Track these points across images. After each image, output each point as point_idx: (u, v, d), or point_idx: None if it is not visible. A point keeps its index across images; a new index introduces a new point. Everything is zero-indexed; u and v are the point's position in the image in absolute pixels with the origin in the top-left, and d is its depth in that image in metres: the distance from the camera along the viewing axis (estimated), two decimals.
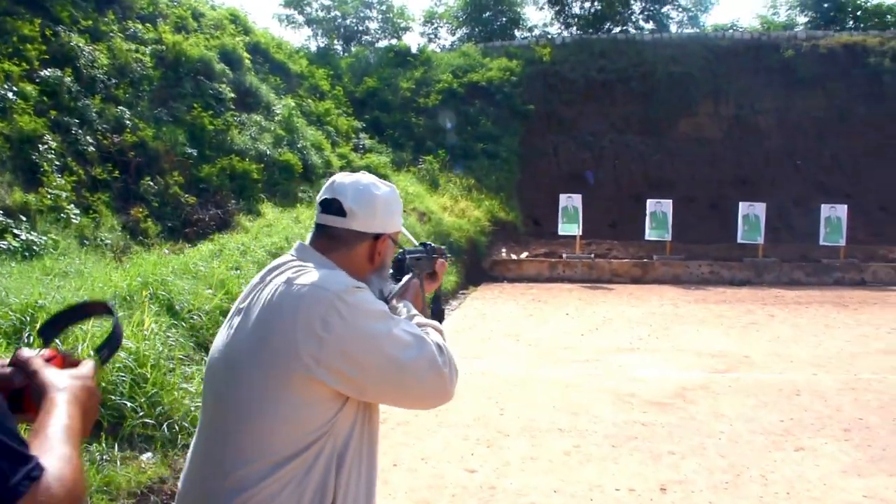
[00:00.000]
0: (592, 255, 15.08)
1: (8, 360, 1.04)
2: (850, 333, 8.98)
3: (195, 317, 5.57)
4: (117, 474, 3.52)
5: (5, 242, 6.22)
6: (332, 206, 1.51)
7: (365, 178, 1.57)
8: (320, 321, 1.32)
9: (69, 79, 8.93)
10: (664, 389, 6.21)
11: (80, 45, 9.61)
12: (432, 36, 26.87)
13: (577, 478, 4.21)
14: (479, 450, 4.69)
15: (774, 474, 4.29)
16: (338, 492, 1.35)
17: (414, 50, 21.44)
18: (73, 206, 7.54)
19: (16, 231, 6.50)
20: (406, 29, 25.82)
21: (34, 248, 6.40)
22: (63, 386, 0.98)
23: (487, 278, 13.71)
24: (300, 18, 24.82)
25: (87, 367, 1.06)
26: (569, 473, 4.28)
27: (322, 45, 24.11)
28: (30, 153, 7.59)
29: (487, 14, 25.15)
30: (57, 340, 1.18)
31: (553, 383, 6.41)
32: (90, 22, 10.27)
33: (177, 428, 4.08)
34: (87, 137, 8.66)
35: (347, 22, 24.86)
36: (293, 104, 14.47)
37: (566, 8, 25.67)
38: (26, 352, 1.04)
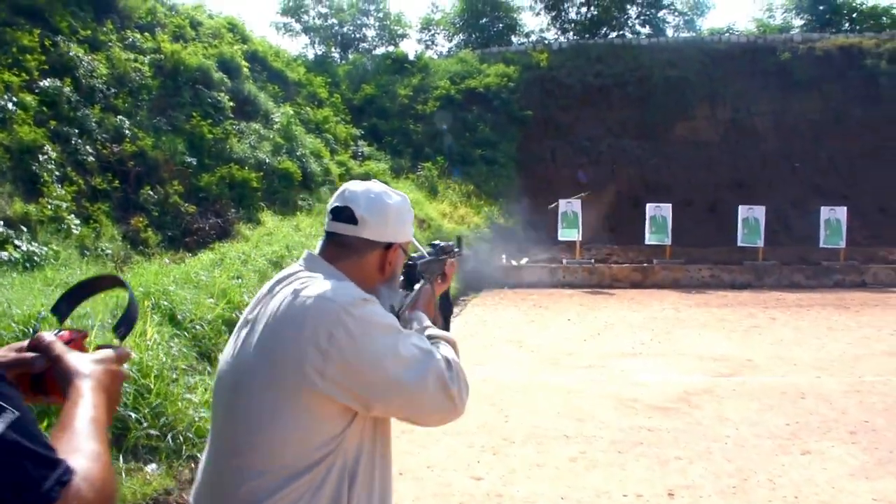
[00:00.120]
0: (592, 261, 15.07)
1: (27, 343, 1.03)
2: (852, 336, 8.97)
3: (198, 326, 5.55)
4: (122, 486, 3.50)
5: (6, 253, 6.20)
6: (343, 214, 1.49)
7: (377, 186, 1.55)
8: (326, 335, 1.30)
9: (68, 89, 8.93)
10: (668, 394, 6.20)
11: (80, 55, 9.60)
12: (429, 43, 26.96)
13: (584, 484, 4.19)
14: (485, 457, 4.67)
15: (782, 478, 4.27)
16: None
17: (411, 57, 21.49)
18: (73, 216, 7.52)
19: (16, 242, 6.48)
20: (403, 36, 25.88)
21: (35, 258, 6.38)
22: (87, 372, 0.98)
23: (488, 285, 13.70)
24: (297, 26, 24.88)
25: (112, 351, 1.06)
26: (575, 480, 4.26)
27: (319, 52, 24.17)
28: (30, 163, 7.57)
29: (484, 20, 25.22)
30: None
31: (556, 389, 6.39)
32: (89, 32, 10.27)
33: (181, 439, 4.06)
34: (87, 147, 8.64)
35: (344, 29, 24.90)
36: (291, 112, 14.48)
37: (563, 13, 25.77)
38: (47, 336, 1.03)
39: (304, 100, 16.63)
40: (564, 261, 14.90)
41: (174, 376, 4.50)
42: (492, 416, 5.52)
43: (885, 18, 23.37)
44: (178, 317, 5.50)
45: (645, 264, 14.91)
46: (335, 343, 1.30)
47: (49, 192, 7.45)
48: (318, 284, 1.39)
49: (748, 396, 6.12)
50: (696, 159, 18.37)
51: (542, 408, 5.81)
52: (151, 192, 9.16)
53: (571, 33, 25.10)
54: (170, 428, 4.06)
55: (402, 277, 1.68)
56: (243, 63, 14.14)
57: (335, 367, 1.30)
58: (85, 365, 0.99)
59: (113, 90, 9.92)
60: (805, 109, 18.79)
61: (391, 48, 23.76)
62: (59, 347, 1.01)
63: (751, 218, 14.86)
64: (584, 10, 25.33)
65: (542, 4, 25.62)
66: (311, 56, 23.02)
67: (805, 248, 15.30)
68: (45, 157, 7.80)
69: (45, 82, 8.63)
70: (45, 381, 1.01)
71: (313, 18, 24.81)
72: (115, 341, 1.13)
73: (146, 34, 11.80)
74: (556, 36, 25.47)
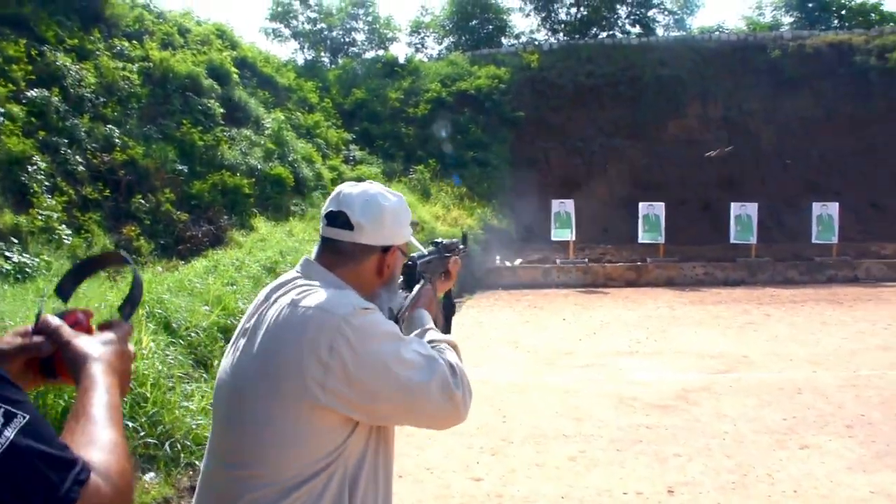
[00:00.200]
0: (586, 260, 15.08)
1: (32, 328, 1.02)
2: (846, 330, 9.01)
3: (193, 334, 5.52)
4: None
5: None
6: (338, 220, 1.46)
7: (373, 188, 1.52)
8: (326, 347, 1.28)
9: (56, 98, 8.87)
10: (665, 392, 6.20)
11: (67, 64, 9.55)
12: (419, 46, 26.91)
13: (585, 483, 4.19)
14: (485, 458, 4.66)
15: (781, 473, 4.28)
16: None
17: (401, 60, 21.47)
18: (64, 226, 7.47)
19: (7, 254, 6.43)
20: (393, 39, 25.83)
21: (27, 270, 6.33)
22: (97, 355, 0.98)
23: (482, 286, 13.69)
24: (286, 32, 24.79)
25: (118, 330, 1.06)
26: (576, 479, 4.26)
27: (309, 57, 24.09)
28: (19, 174, 7.52)
29: (474, 22, 25.20)
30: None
31: (554, 389, 6.39)
32: (76, 41, 10.22)
33: (179, 447, 4.03)
34: (77, 157, 8.59)
35: (334, 34, 24.84)
36: (282, 118, 14.45)
37: (552, 14, 25.78)
38: (52, 320, 1.02)
39: (295, 105, 16.60)
40: (558, 261, 14.91)
41: (170, 384, 4.47)
42: (490, 417, 5.51)
43: (873, 15, 23.47)
44: (173, 325, 5.47)
45: (639, 263, 14.94)
46: (336, 355, 1.28)
47: (39, 202, 7.40)
48: (316, 294, 1.37)
49: (745, 393, 6.13)
50: (688, 158, 18.40)
51: (541, 408, 5.81)
52: (143, 201, 9.12)
53: (561, 34, 25.11)
54: (167, 436, 4.03)
55: (401, 278, 1.65)
56: (233, 69, 14.10)
57: (337, 379, 1.28)
58: (94, 348, 0.99)
59: (102, 99, 9.88)
60: (796, 106, 18.84)
61: (381, 52, 23.72)
62: (67, 332, 1.00)
63: (743, 215, 14.91)
64: (573, 10, 25.34)
65: (531, 6, 25.63)
66: (300, 61, 22.97)
67: (798, 244, 15.35)
68: (35, 167, 7.75)
69: (33, 92, 8.57)
70: (53, 363, 1.00)
71: (302, 23, 24.75)
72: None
73: (134, 42, 11.75)
74: (546, 37, 25.49)
